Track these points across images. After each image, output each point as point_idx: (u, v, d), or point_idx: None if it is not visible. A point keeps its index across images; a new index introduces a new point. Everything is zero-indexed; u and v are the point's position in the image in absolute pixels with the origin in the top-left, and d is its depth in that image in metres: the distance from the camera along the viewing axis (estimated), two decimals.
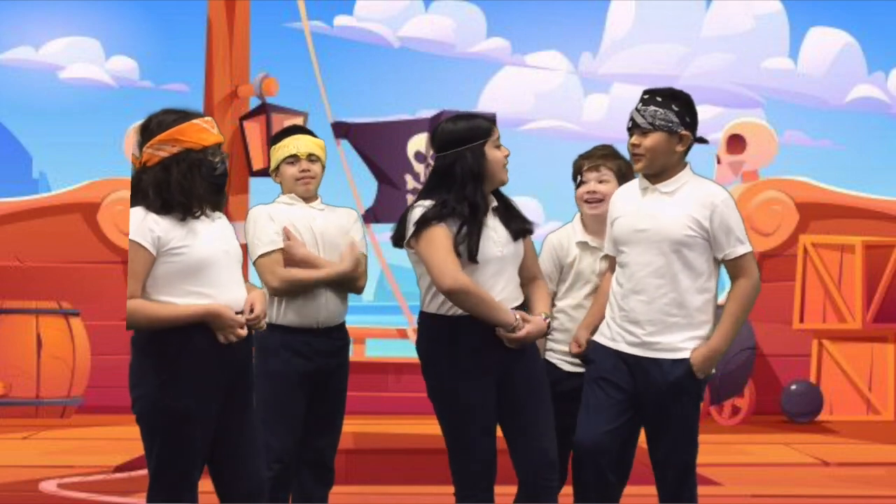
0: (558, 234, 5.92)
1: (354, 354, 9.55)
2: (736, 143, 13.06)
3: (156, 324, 5.00)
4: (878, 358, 12.45)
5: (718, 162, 13.05)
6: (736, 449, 10.30)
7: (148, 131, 5.09)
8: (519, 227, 5.57)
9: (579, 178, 5.87)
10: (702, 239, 5.46)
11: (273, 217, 6.10)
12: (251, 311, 5.11)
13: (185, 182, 5.04)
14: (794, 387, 12.14)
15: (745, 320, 5.55)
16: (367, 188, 12.18)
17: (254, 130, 12.21)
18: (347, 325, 6.23)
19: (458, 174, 5.47)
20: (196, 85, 13.00)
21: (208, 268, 5.06)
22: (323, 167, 6.23)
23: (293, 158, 6.15)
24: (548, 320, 5.55)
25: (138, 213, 5.05)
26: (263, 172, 12.15)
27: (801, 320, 12.50)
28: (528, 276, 5.63)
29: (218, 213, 5.19)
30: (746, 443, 10.73)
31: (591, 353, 5.60)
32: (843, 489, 8.40)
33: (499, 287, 5.50)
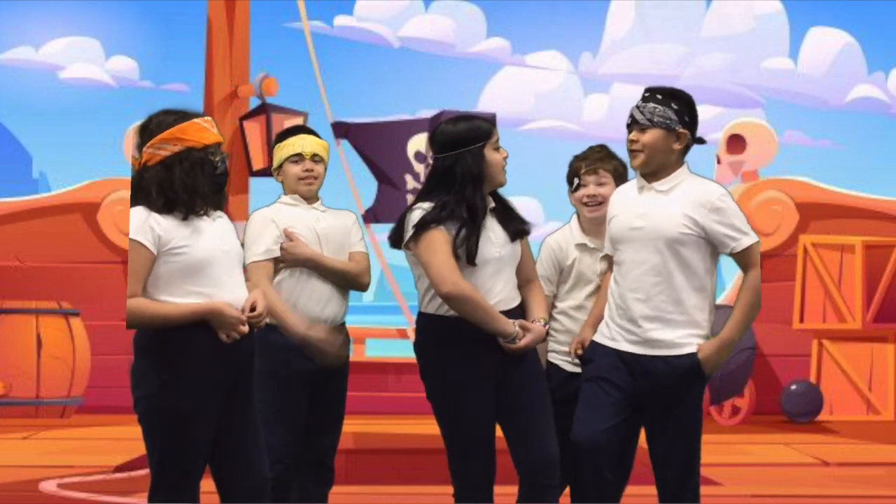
0: (556, 237, 5.92)
1: (354, 354, 9.54)
2: (736, 143, 13.06)
3: (157, 322, 5.00)
4: (878, 358, 12.45)
5: (718, 162, 13.05)
6: (736, 449, 10.30)
7: (147, 132, 5.10)
8: (517, 227, 5.58)
9: (576, 180, 5.86)
10: (697, 237, 5.46)
11: (275, 220, 6.09)
12: (252, 308, 5.11)
13: (189, 180, 5.04)
14: (794, 387, 12.15)
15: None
16: (367, 188, 12.19)
17: (254, 130, 12.22)
18: (347, 325, 6.23)
19: (457, 176, 5.48)
20: (196, 85, 13.01)
21: (209, 268, 5.06)
22: (325, 168, 6.23)
23: (297, 157, 6.15)
24: (546, 326, 5.55)
25: (139, 212, 5.05)
26: (263, 172, 12.16)
27: (801, 320, 12.50)
28: (524, 278, 5.63)
29: (219, 213, 5.19)
30: (746, 443, 10.73)
31: (590, 353, 5.60)
32: (843, 489, 8.40)
33: (497, 288, 5.50)
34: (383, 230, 12.33)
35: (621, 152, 5.79)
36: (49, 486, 8.22)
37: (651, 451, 5.59)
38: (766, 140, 13.18)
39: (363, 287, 6.19)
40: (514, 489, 5.54)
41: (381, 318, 16.53)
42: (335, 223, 6.17)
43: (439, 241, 5.43)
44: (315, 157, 6.17)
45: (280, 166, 6.19)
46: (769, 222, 12.82)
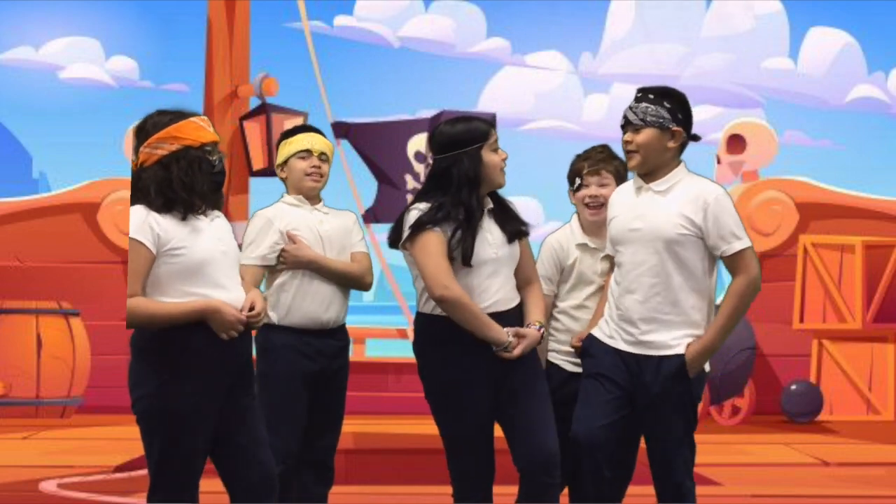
0: (557, 236, 5.92)
1: (354, 354, 9.55)
2: (736, 143, 13.06)
3: (157, 321, 5.00)
4: (878, 358, 12.45)
5: (718, 162, 13.05)
6: (736, 449, 10.30)
7: (144, 132, 5.10)
8: (515, 228, 5.58)
9: (578, 180, 5.86)
10: (695, 237, 5.46)
11: (276, 221, 6.08)
12: (251, 308, 5.11)
13: (187, 178, 5.04)
14: (794, 387, 12.15)
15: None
16: (367, 188, 12.19)
17: (254, 130, 12.22)
18: (347, 325, 6.24)
19: (454, 178, 5.48)
20: (196, 85, 13.01)
21: (207, 269, 5.06)
22: (329, 168, 6.24)
23: (306, 153, 6.15)
24: (541, 330, 5.54)
25: (139, 211, 5.05)
26: (263, 172, 12.16)
27: (801, 320, 12.50)
28: (523, 279, 5.63)
29: (216, 213, 5.19)
30: (746, 443, 10.73)
31: (590, 348, 5.60)
32: (843, 489, 8.40)
33: (494, 288, 5.50)
34: (383, 230, 12.34)
35: (621, 152, 5.79)
36: (49, 486, 8.22)
37: (647, 450, 5.59)
38: (766, 140, 13.18)
39: (366, 287, 6.20)
40: (514, 489, 5.54)
41: (381, 318, 16.53)
42: (337, 224, 6.18)
43: (433, 242, 5.43)
44: (322, 156, 6.18)
45: (285, 163, 6.19)
46: (769, 222, 12.82)
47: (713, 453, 9.23)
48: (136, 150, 5.10)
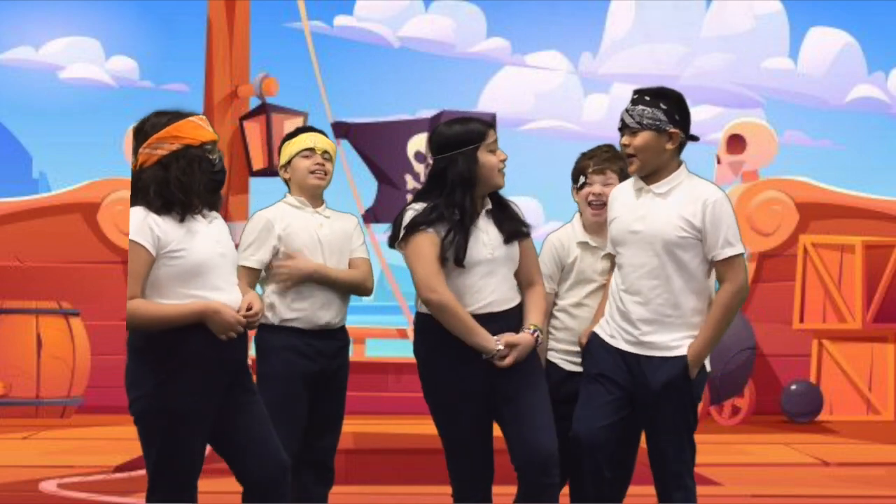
0: (558, 234, 5.92)
1: (354, 354, 9.55)
2: (736, 143, 13.06)
3: (157, 322, 5.00)
4: (878, 358, 12.45)
5: (718, 162, 13.05)
6: (736, 449, 10.30)
7: (142, 133, 5.10)
8: (512, 229, 5.56)
9: (582, 178, 5.86)
10: (695, 240, 5.45)
11: (276, 223, 6.07)
12: (248, 308, 5.12)
13: (185, 178, 5.05)
14: (794, 387, 12.15)
15: (727, 326, 5.50)
16: (367, 188, 12.19)
17: (254, 130, 12.22)
18: (347, 325, 6.24)
19: (448, 179, 5.49)
20: (196, 85, 13.01)
21: (205, 271, 5.06)
22: (332, 169, 6.24)
23: (309, 151, 6.15)
24: (536, 333, 5.52)
25: (139, 212, 5.05)
26: (263, 172, 12.17)
27: (801, 320, 12.50)
28: (525, 281, 5.62)
29: (214, 214, 5.19)
30: (746, 443, 10.73)
31: (591, 347, 5.59)
32: (843, 489, 8.40)
33: (489, 289, 5.50)
34: (383, 230, 12.34)
35: None
36: (49, 486, 8.22)
37: (648, 450, 5.59)
38: (766, 140, 13.17)
39: (367, 293, 6.20)
40: (514, 489, 5.54)
41: (381, 318, 16.53)
42: (337, 228, 6.17)
43: (425, 245, 5.44)
44: (325, 154, 6.18)
45: (289, 162, 6.19)
46: (769, 222, 12.82)
47: (713, 453, 9.23)
48: (136, 152, 5.09)
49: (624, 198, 5.59)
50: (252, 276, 5.99)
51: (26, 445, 10.42)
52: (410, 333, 12.19)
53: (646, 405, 5.49)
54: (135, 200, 5.09)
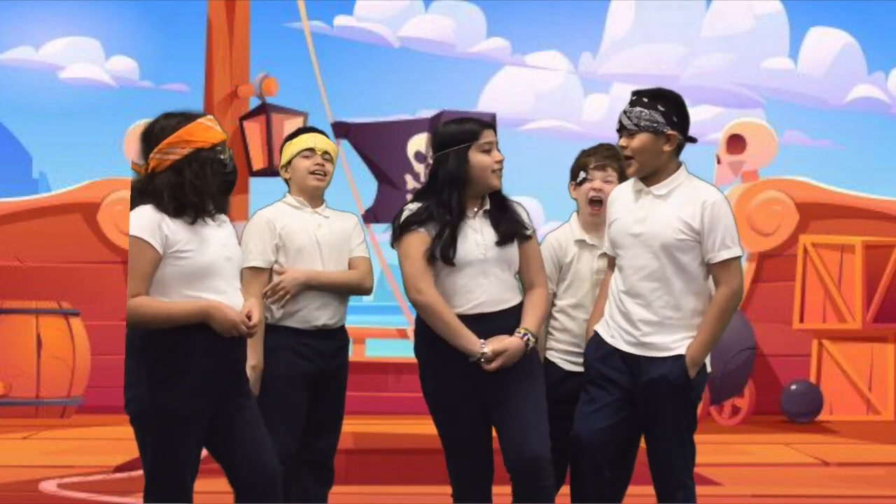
0: (556, 234, 5.91)
1: (354, 354, 9.56)
2: (736, 143, 13.05)
3: (160, 320, 4.99)
4: (878, 358, 12.45)
5: (718, 162, 13.04)
6: (736, 449, 10.30)
7: (152, 137, 5.09)
8: (508, 230, 5.55)
9: (582, 174, 5.85)
10: (694, 242, 5.45)
11: (276, 223, 6.07)
12: (248, 317, 5.11)
13: (198, 181, 5.05)
14: (794, 387, 12.15)
15: (724, 329, 5.49)
16: (367, 188, 12.19)
17: (254, 130, 12.23)
18: (347, 325, 6.23)
19: (439, 178, 5.50)
20: (196, 85, 13.01)
21: (210, 274, 5.06)
22: (333, 170, 6.24)
23: (309, 152, 6.15)
24: (526, 337, 5.49)
25: (148, 211, 5.03)
26: (263, 172, 12.17)
27: (801, 320, 12.50)
28: (526, 283, 5.62)
29: (223, 217, 5.19)
30: (746, 443, 10.73)
31: (593, 344, 5.58)
32: (843, 489, 8.40)
33: (480, 290, 5.49)
34: (383, 230, 12.35)
35: None
36: (49, 486, 8.22)
37: (647, 450, 5.59)
38: (766, 140, 13.17)
39: (366, 292, 6.20)
40: None
41: (381, 318, 16.54)
42: (336, 228, 6.16)
43: (414, 244, 5.46)
44: (325, 155, 6.18)
45: (289, 162, 6.19)
46: (769, 222, 12.81)
47: (713, 453, 9.22)
48: (146, 156, 5.08)
49: (623, 199, 5.59)
50: (261, 276, 5.98)
51: (26, 445, 10.42)
52: (410, 333, 12.21)
53: (646, 405, 5.49)
54: (142, 202, 5.07)
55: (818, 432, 11.53)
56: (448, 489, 5.64)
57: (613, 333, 5.55)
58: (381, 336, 13.64)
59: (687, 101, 5.61)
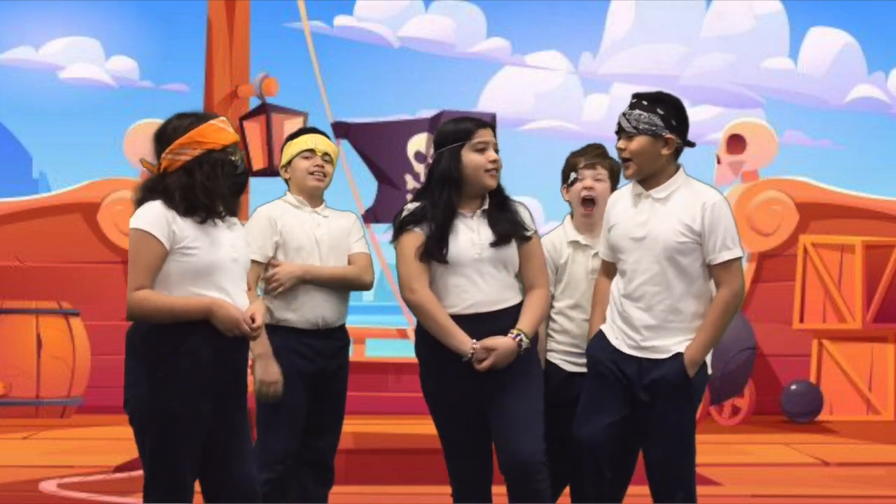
0: (550, 237, 5.91)
1: (354, 354, 9.55)
2: (736, 143, 13.06)
3: (163, 314, 4.98)
4: (878, 358, 12.45)
5: (718, 162, 13.04)
6: (736, 449, 10.30)
7: (165, 137, 5.09)
8: (504, 231, 5.54)
9: (573, 175, 5.85)
10: (695, 244, 5.44)
11: (276, 220, 6.08)
12: (252, 319, 5.10)
13: (209, 183, 5.05)
14: (794, 387, 12.15)
15: (724, 330, 5.48)
16: (367, 188, 12.19)
17: (254, 130, 12.21)
18: (347, 325, 6.23)
19: (434, 177, 5.51)
20: (196, 85, 13.02)
21: (215, 273, 5.05)
22: (333, 171, 6.24)
23: (309, 153, 6.16)
24: (518, 338, 5.47)
25: (157, 207, 5.03)
26: (263, 172, 12.16)
27: (801, 320, 12.50)
28: (526, 284, 5.61)
29: (234, 220, 5.19)
30: (746, 443, 10.73)
31: (597, 343, 5.57)
32: (843, 489, 8.39)
33: (475, 289, 5.49)
34: (383, 230, 12.35)
35: (614, 153, 5.79)
36: (49, 486, 8.22)
37: (646, 452, 5.57)
38: (766, 140, 13.17)
39: (365, 287, 6.20)
40: None
41: (381, 318, 16.55)
42: (335, 227, 6.17)
43: (409, 244, 5.48)
44: (325, 156, 6.18)
45: (289, 162, 6.19)
46: (769, 222, 12.81)
47: (713, 453, 9.22)
48: (158, 155, 5.09)
49: (622, 204, 5.58)
50: (256, 269, 5.99)
51: (26, 445, 10.42)
52: (410, 333, 12.19)
53: (646, 405, 5.48)
54: (151, 199, 5.06)
55: (818, 432, 11.52)
56: (448, 489, 5.64)
57: (616, 335, 5.54)
58: (381, 336, 13.63)
59: (687, 102, 5.61)
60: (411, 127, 12.07)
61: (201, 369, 5.00)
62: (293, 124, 11.49)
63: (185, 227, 5.03)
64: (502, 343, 5.43)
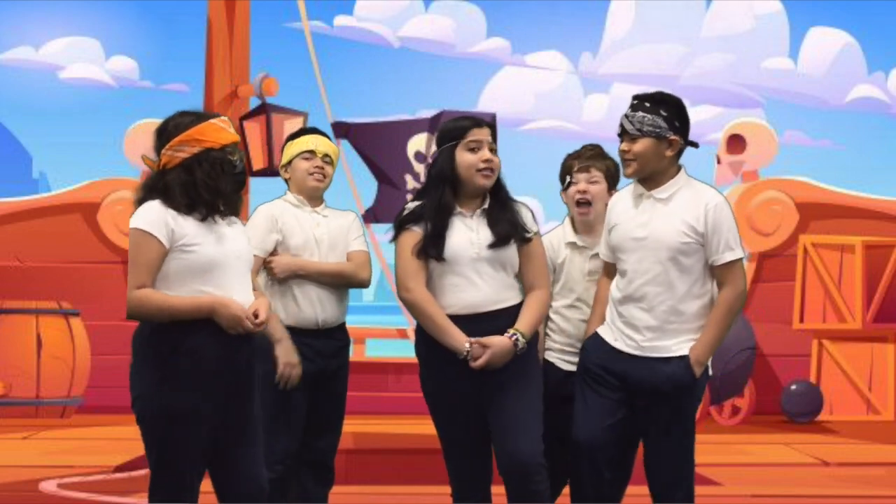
0: (549, 237, 5.91)
1: (354, 354, 9.54)
2: (736, 143, 13.06)
3: (163, 314, 4.98)
4: (878, 358, 12.45)
5: (718, 162, 13.05)
6: (736, 449, 10.30)
7: (165, 134, 5.10)
8: (503, 231, 5.53)
9: (568, 178, 5.86)
10: (697, 245, 5.45)
11: (277, 218, 6.09)
12: (255, 316, 5.10)
13: (211, 180, 5.05)
14: (794, 387, 12.15)
15: (728, 330, 5.49)
16: (367, 188, 12.19)
17: (254, 130, 12.21)
18: (347, 325, 6.23)
19: (431, 176, 5.52)
20: (196, 85, 13.02)
21: (218, 269, 5.05)
22: (333, 172, 6.24)
23: (310, 154, 6.16)
24: (514, 338, 5.46)
25: (156, 206, 5.03)
26: (263, 172, 12.16)
27: (801, 320, 12.50)
28: (526, 285, 5.61)
29: (234, 219, 5.19)
30: (746, 443, 10.73)
31: (592, 344, 5.57)
32: (843, 489, 8.39)
33: (473, 288, 5.49)
34: (383, 230, 12.34)
35: (610, 153, 5.80)
36: (49, 486, 8.22)
37: (645, 452, 5.58)
38: (766, 140, 13.17)
39: (363, 283, 6.20)
40: None
41: (381, 318, 16.54)
42: (334, 226, 6.17)
43: (406, 243, 5.49)
44: (326, 157, 6.19)
45: (289, 163, 6.20)
46: (769, 222, 12.82)
47: (713, 453, 9.23)
48: (158, 152, 5.10)
49: (624, 205, 5.58)
50: (255, 263, 5.99)
51: (26, 445, 10.42)
52: (410, 333, 12.18)
53: (646, 406, 5.48)
54: (150, 198, 5.07)
55: (818, 432, 11.52)
56: (448, 489, 5.64)
57: (616, 336, 5.54)
58: (381, 336, 13.63)
59: (687, 102, 5.61)
60: (411, 127, 12.07)
61: (207, 368, 4.99)
62: (293, 124, 11.50)
63: (184, 225, 5.04)
64: (498, 341, 5.42)
